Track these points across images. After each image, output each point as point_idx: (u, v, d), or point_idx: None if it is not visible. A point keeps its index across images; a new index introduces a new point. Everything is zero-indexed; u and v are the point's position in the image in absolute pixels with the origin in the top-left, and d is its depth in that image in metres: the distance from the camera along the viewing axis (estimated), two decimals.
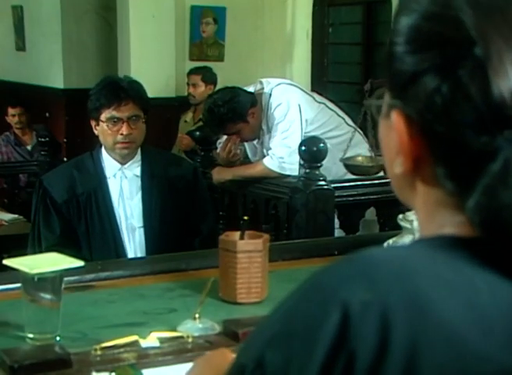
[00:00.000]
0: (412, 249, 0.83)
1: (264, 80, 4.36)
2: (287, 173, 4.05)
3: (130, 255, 3.11)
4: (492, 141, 0.76)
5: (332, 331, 0.72)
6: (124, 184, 3.13)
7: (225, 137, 4.56)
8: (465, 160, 0.78)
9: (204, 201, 3.29)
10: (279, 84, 4.28)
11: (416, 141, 0.82)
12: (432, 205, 0.84)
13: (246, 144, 4.49)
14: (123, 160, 3.11)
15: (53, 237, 3.07)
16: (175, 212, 3.14)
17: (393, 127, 0.83)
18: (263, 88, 4.28)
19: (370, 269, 0.76)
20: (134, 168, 3.13)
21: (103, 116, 3.04)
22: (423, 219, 0.85)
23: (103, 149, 3.15)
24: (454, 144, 0.78)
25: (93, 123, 3.10)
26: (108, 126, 3.04)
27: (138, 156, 3.14)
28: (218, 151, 4.58)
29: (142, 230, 3.12)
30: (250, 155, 4.48)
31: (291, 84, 4.43)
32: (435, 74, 0.79)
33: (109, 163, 3.13)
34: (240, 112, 4.19)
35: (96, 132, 3.11)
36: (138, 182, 3.14)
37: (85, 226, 3.08)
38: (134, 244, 3.12)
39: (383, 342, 0.71)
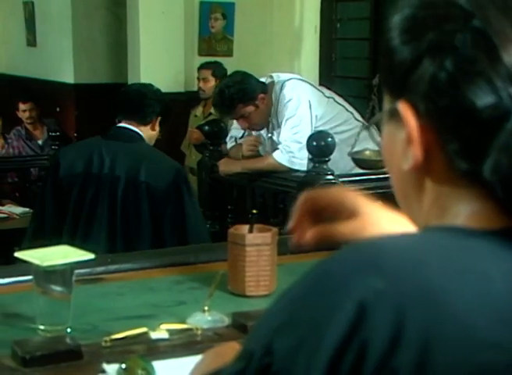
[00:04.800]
0: (422, 237, 0.82)
1: (274, 74, 4.38)
2: (296, 167, 4.06)
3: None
4: (500, 104, 0.77)
5: (344, 320, 0.71)
6: None
7: (234, 131, 4.57)
8: (475, 129, 0.78)
9: None
10: (290, 80, 4.28)
11: (424, 131, 0.81)
12: (444, 197, 0.83)
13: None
14: None
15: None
16: None
17: (400, 123, 0.83)
18: (273, 82, 4.30)
19: (380, 258, 0.76)
20: None
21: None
22: (435, 214, 0.84)
23: None
24: (462, 114, 0.78)
25: (158, 122, 3.51)
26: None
27: None
28: (228, 146, 4.59)
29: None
30: (259, 148, 4.50)
31: (301, 80, 4.44)
32: (435, 52, 0.79)
33: None
34: (250, 94, 4.22)
35: (157, 129, 3.50)
36: None
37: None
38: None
39: (397, 332, 0.70)
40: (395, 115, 0.84)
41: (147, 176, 3.27)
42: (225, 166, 4.39)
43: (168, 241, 3.23)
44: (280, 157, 4.11)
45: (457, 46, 0.78)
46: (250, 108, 4.25)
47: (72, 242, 3.17)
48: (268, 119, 4.32)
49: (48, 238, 3.18)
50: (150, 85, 3.64)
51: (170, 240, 3.24)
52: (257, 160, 4.33)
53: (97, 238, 3.25)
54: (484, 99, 0.77)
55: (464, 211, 0.81)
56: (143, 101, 3.45)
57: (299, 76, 4.60)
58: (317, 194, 1.30)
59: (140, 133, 3.41)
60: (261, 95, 4.25)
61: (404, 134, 0.83)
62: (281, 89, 4.23)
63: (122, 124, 3.45)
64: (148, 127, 3.44)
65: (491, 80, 0.77)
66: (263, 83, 4.33)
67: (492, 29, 0.78)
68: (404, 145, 0.83)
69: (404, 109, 0.82)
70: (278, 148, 4.15)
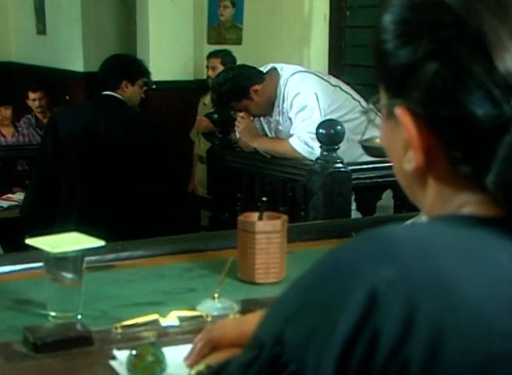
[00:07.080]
0: (432, 226, 0.82)
1: (277, 65, 4.35)
2: (310, 157, 4.05)
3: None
4: (501, 114, 0.76)
5: (356, 308, 0.72)
6: None
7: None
8: (477, 138, 0.78)
9: None
10: (294, 74, 4.26)
11: (424, 133, 0.81)
12: (447, 193, 0.83)
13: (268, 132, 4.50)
14: None
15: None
16: None
17: (399, 123, 0.83)
18: (277, 72, 4.28)
19: (391, 247, 0.76)
20: None
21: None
22: (439, 206, 0.85)
23: None
24: (463, 124, 0.78)
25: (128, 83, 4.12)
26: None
27: None
28: (237, 134, 4.58)
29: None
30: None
31: (305, 72, 4.42)
32: (432, 60, 0.79)
33: None
34: (241, 90, 4.23)
35: (131, 89, 4.10)
36: None
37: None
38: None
39: (408, 320, 0.71)
40: (393, 115, 0.84)
41: (139, 136, 3.94)
42: (244, 138, 4.39)
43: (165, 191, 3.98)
44: (297, 144, 4.09)
45: (453, 54, 0.78)
46: (245, 103, 4.28)
47: (73, 194, 3.87)
48: (270, 105, 4.31)
49: (50, 189, 3.94)
50: (109, 57, 4.43)
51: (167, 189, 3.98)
52: (274, 141, 4.33)
53: (97, 189, 3.90)
54: (484, 110, 0.77)
55: (468, 200, 0.81)
56: (105, 71, 4.22)
57: (303, 68, 4.56)
58: (218, 337, 1.34)
59: (120, 97, 4.06)
60: (254, 87, 4.25)
61: (404, 134, 0.83)
62: (285, 85, 4.22)
63: (105, 92, 4.10)
64: (121, 91, 4.06)
65: (488, 89, 0.77)
66: (259, 71, 4.32)
67: (487, 36, 0.77)
68: (405, 145, 0.84)
69: (403, 115, 0.82)
70: (293, 135, 4.14)
